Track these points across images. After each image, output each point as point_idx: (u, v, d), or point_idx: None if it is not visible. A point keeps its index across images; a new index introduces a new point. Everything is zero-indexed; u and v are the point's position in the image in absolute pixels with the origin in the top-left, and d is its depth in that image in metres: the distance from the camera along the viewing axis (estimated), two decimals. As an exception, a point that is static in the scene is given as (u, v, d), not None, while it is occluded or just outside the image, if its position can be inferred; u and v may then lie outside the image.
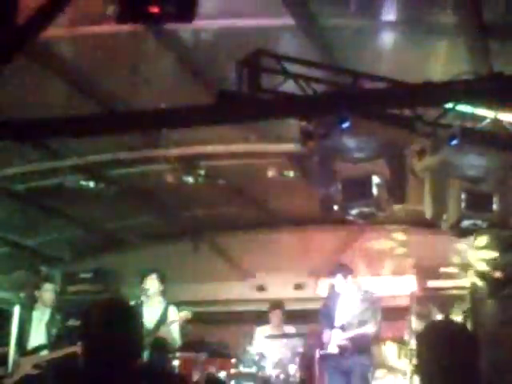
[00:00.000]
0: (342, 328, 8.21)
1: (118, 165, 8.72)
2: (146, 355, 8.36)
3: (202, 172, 8.76)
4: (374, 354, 8.70)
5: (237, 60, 6.08)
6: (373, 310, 8.32)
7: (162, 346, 8.62)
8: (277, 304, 10.05)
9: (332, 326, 8.34)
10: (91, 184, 8.82)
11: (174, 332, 8.79)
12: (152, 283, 8.86)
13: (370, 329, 8.19)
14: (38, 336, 8.68)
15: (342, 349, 8.11)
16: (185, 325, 9.00)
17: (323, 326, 8.50)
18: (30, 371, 8.36)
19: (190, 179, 8.78)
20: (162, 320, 8.78)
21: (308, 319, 10.66)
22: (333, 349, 8.22)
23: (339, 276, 8.52)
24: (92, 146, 8.07)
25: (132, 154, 8.41)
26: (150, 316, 8.69)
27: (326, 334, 8.35)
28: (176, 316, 8.86)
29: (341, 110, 6.35)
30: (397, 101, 6.28)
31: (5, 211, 9.59)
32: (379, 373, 9.51)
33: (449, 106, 6.44)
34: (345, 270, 8.63)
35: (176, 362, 9.04)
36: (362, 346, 8.15)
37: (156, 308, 8.86)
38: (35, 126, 6.19)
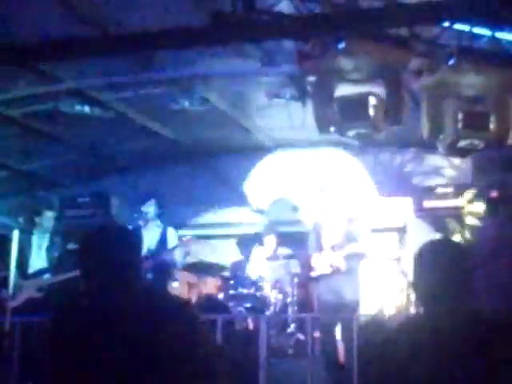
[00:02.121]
0: (333, 248, 8.23)
1: (113, 88, 8.66)
2: (148, 277, 8.48)
3: (198, 95, 8.70)
4: (366, 273, 8.78)
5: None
6: (360, 228, 8.32)
7: (163, 269, 8.72)
8: (271, 227, 10.11)
9: (321, 248, 8.36)
10: (86, 108, 8.77)
11: (175, 256, 8.87)
12: (150, 207, 8.92)
13: (358, 247, 8.21)
14: (39, 260, 8.78)
15: (334, 268, 8.16)
16: (187, 250, 9.09)
17: (312, 249, 8.50)
18: (34, 294, 8.48)
19: (187, 103, 8.73)
20: (162, 242, 8.86)
21: (305, 241, 10.76)
22: (324, 269, 8.25)
23: (328, 194, 8.43)
24: (86, 70, 8.00)
25: (127, 78, 8.34)
26: (149, 239, 8.78)
27: (315, 257, 8.36)
28: (175, 239, 8.94)
29: (337, 30, 6.28)
30: (394, 20, 6.22)
31: (1, 136, 9.57)
32: (374, 290, 9.64)
33: (446, 24, 6.37)
34: (334, 189, 8.55)
35: (175, 284, 9.15)
36: (351, 265, 8.19)
37: (154, 231, 8.93)
38: (28, 49, 6.13)
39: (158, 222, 9.02)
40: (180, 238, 9.03)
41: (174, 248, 8.82)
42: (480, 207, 8.16)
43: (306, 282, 8.90)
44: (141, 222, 8.90)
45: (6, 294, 8.11)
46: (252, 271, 9.61)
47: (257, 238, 10.09)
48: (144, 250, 8.48)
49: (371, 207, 9.84)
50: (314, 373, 7.39)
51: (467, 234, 8.68)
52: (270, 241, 9.88)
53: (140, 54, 7.52)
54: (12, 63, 6.93)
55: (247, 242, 10.50)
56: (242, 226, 11.19)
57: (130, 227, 8.36)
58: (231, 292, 9.22)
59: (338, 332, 8.18)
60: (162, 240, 8.90)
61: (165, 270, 8.79)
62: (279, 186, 11.15)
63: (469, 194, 8.78)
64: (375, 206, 10.08)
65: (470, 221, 8.72)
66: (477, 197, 8.36)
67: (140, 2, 6.78)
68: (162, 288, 8.39)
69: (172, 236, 8.98)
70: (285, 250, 9.86)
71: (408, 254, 9.29)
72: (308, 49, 6.66)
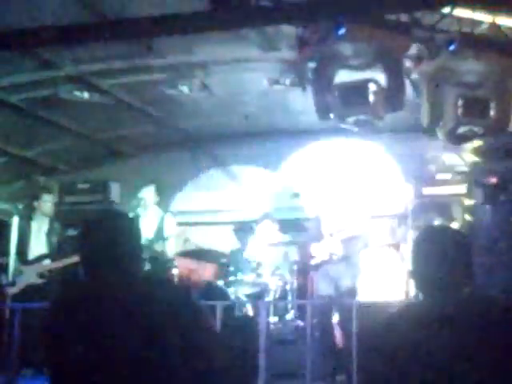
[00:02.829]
0: (331, 235, 8.27)
1: (112, 74, 8.64)
2: (144, 267, 8.49)
3: (198, 81, 8.68)
4: (365, 259, 8.79)
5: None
6: (359, 215, 8.35)
7: (159, 259, 8.71)
8: (269, 213, 10.11)
9: (321, 236, 8.39)
10: (85, 94, 8.75)
11: (168, 246, 8.85)
12: (149, 194, 8.90)
13: (357, 230, 8.24)
14: (38, 246, 8.78)
15: (333, 255, 8.18)
16: (186, 237, 9.09)
17: (312, 237, 8.53)
18: (35, 280, 8.50)
19: (186, 88, 8.72)
20: (160, 230, 8.85)
21: (304, 228, 10.75)
22: (323, 257, 8.28)
23: (332, 182, 8.51)
24: (85, 56, 7.98)
25: (126, 64, 8.32)
26: (147, 227, 8.76)
27: (315, 245, 8.39)
28: (172, 227, 8.92)
29: (337, 15, 6.26)
30: (394, 5, 6.20)
31: (0, 122, 9.56)
32: (374, 276, 9.64)
33: (446, 10, 6.35)
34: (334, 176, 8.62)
35: (175, 271, 9.15)
36: (350, 249, 8.21)
37: (153, 218, 8.92)
38: (27, 35, 6.11)
39: (157, 210, 9.00)
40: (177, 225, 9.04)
41: (170, 236, 8.82)
42: (479, 193, 8.16)
43: (305, 268, 8.91)
44: (139, 209, 8.87)
45: (5, 280, 8.14)
46: (251, 258, 9.60)
47: (255, 225, 10.09)
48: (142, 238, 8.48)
49: (371, 194, 9.83)
50: (314, 359, 7.40)
51: (465, 221, 8.67)
52: (268, 227, 9.88)
53: (140, 39, 7.50)
54: (11, 49, 6.92)
55: (246, 229, 10.49)
56: (241, 212, 11.19)
57: (130, 214, 8.36)
58: (231, 278, 9.23)
59: (336, 318, 8.21)
60: (160, 228, 8.88)
61: (161, 261, 8.78)
62: (280, 172, 11.15)
63: (468, 180, 8.76)
64: (375, 193, 10.08)
65: (468, 207, 8.71)
66: (476, 184, 8.34)
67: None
68: (160, 275, 8.39)
69: (170, 224, 8.96)
70: (284, 237, 9.86)
71: (407, 240, 9.29)
72: (308, 35, 6.64)
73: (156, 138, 11.24)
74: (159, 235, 8.78)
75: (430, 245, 3.12)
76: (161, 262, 8.71)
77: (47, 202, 8.98)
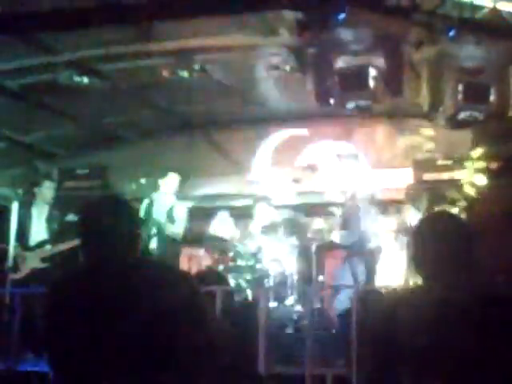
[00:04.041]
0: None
1: (112, 59, 8.61)
2: (153, 244, 8.58)
3: (197, 66, 8.66)
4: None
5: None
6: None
7: (173, 241, 8.78)
8: (260, 197, 10.10)
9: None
10: (85, 79, 8.73)
11: (177, 228, 8.89)
12: (172, 182, 8.97)
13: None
14: (39, 232, 8.79)
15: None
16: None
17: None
18: (38, 265, 8.54)
19: (185, 74, 8.69)
20: (169, 215, 8.91)
21: (305, 212, 10.75)
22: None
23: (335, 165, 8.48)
24: (85, 41, 7.96)
25: (126, 49, 8.29)
26: (160, 211, 8.84)
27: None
28: (184, 213, 8.96)
29: (337, 1, 6.25)
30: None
31: (0, 108, 9.55)
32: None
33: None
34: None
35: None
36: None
37: (167, 204, 8.97)
38: (25, 19, 6.09)
39: (172, 196, 9.07)
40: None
41: (180, 222, 8.87)
42: (479, 179, 8.16)
43: (306, 253, 8.91)
44: (154, 197, 8.92)
45: (8, 265, 8.16)
46: (251, 243, 9.60)
47: (254, 210, 10.09)
48: (152, 222, 8.62)
49: (371, 180, 9.84)
50: (313, 344, 7.40)
51: (466, 206, 8.67)
52: (260, 210, 9.87)
53: (140, 24, 7.48)
54: (11, 34, 6.90)
55: (246, 214, 10.49)
56: (240, 197, 11.19)
57: (129, 199, 8.35)
58: (230, 264, 9.23)
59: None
60: (169, 212, 8.94)
61: (170, 243, 8.82)
62: (279, 157, 11.14)
63: (468, 166, 8.75)
64: (378, 179, 10.08)
65: (469, 193, 8.71)
66: (476, 169, 8.34)
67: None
68: (162, 260, 8.41)
69: (180, 210, 9.01)
70: (285, 222, 9.85)
71: (408, 226, 9.29)
72: (308, 20, 6.62)
73: (155, 123, 11.23)
74: (169, 218, 8.85)
75: (430, 230, 3.12)
76: (173, 246, 8.78)
77: (47, 187, 8.98)
